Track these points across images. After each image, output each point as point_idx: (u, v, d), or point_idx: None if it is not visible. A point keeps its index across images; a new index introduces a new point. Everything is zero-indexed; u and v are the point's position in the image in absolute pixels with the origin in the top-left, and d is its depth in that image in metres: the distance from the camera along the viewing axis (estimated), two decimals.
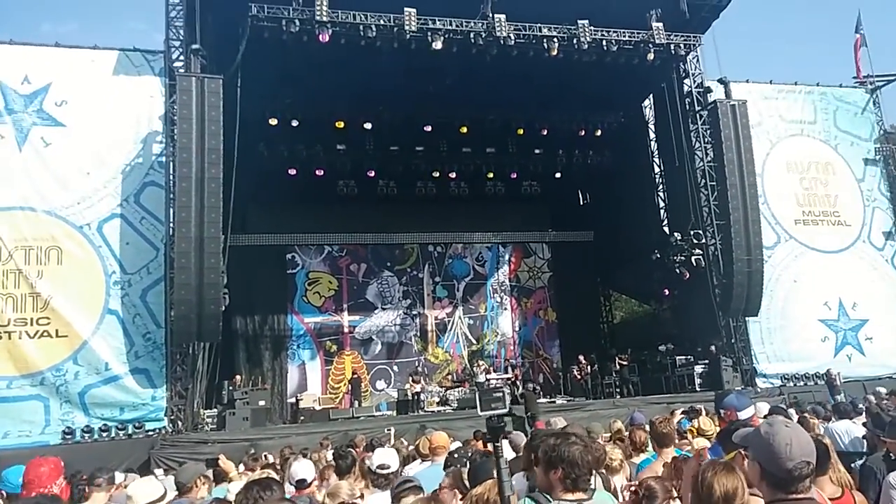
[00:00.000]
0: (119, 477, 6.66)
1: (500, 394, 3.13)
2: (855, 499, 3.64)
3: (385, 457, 4.66)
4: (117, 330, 15.51)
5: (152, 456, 13.54)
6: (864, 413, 8.53)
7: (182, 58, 16.36)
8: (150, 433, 14.92)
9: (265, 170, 20.17)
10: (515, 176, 23.64)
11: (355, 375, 21.96)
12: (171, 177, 15.76)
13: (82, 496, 4.93)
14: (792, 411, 9.56)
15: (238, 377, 18.16)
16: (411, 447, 8.31)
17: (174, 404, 15.25)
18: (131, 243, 15.97)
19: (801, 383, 18.91)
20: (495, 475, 2.59)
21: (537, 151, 23.03)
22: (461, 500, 4.38)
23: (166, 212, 16.06)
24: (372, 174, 21.99)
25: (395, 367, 23.02)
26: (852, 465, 5.35)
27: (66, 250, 15.62)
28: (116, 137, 16.35)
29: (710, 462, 3.28)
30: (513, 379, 21.35)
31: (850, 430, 7.44)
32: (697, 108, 18.90)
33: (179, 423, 15.12)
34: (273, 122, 19.39)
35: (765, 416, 6.67)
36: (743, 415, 4.61)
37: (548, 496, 2.97)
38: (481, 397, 3.16)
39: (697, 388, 18.09)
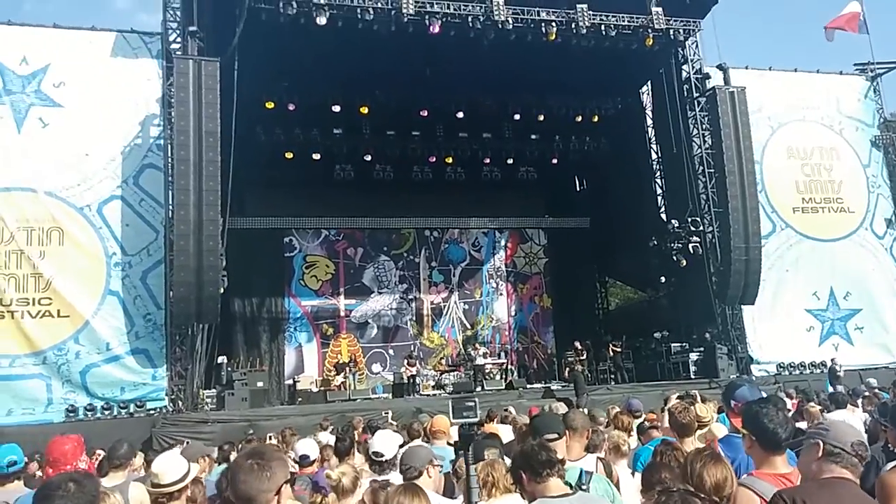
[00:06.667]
0: (139, 458, 6.73)
1: (473, 403, 3.19)
2: None
3: (381, 444, 4.65)
4: (118, 311, 15.61)
5: (154, 434, 13.72)
6: (859, 403, 8.64)
7: (179, 40, 16.25)
8: (152, 412, 15.08)
9: (262, 153, 20.13)
10: (512, 161, 23.61)
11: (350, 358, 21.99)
12: (170, 160, 15.75)
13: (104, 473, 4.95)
14: (786, 399, 9.72)
15: (223, 358, 17.79)
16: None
17: (174, 384, 15.38)
18: (131, 225, 16.03)
19: (797, 372, 19.00)
20: (465, 482, 2.69)
21: (534, 137, 22.97)
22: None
23: (165, 194, 16.09)
24: (368, 158, 21.96)
25: (391, 351, 23.15)
26: None
27: (68, 231, 15.69)
28: (114, 119, 16.30)
29: (697, 452, 3.35)
30: (506, 365, 21.54)
31: (848, 419, 7.58)
32: (696, 95, 18.87)
33: (180, 402, 15.26)
34: (270, 105, 19.29)
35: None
36: None
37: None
38: (454, 405, 3.22)
39: (692, 376, 18.21)
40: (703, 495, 2.56)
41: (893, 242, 21.91)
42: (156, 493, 3.90)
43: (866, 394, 9.35)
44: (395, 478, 4.47)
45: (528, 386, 19.48)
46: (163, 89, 16.43)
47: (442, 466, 4.46)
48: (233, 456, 7.99)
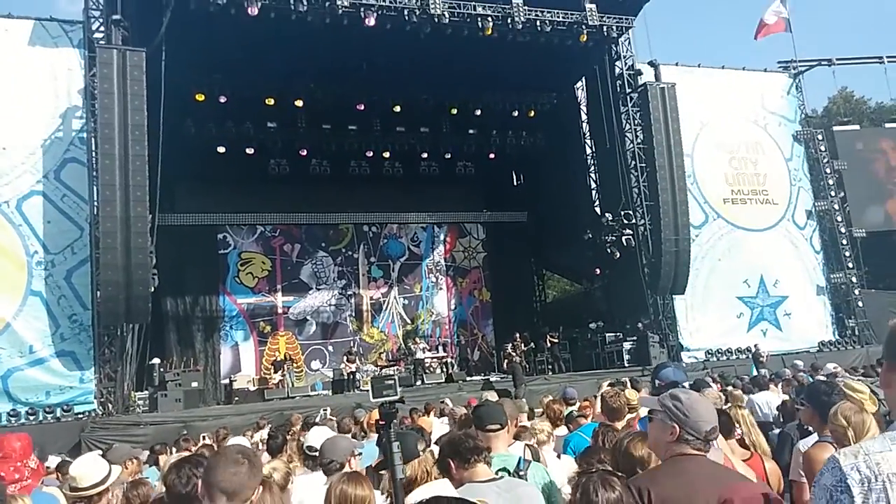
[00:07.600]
0: (52, 461, 6.43)
1: (392, 381, 3.24)
2: (765, 464, 3.91)
3: (316, 439, 4.59)
4: (41, 312, 14.93)
5: (83, 439, 13.24)
6: (779, 385, 9.17)
7: (102, 29, 15.71)
8: (80, 416, 14.51)
9: (193, 147, 19.52)
10: (450, 156, 23.76)
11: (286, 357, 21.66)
12: (94, 154, 15.15)
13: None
14: (713, 384, 10.11)
15: (157, 359, 17.41)
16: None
17: (103, 386, 14.86)
18: (53, 222, 15.33)
19: (724, 357, 19.72)
20: (388, 460, 2.72)
21: (471, 132, 23.14)
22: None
23: (90, 190, 15.46)
24: (304, 153, 21.72)
25: (331, 348, 22.92)
26: (769, 433, 5.69)
27: None
28: (34, 112, 15.56)
29: (626, 433, 3.55)
30: (447, 358, 21.63)
31: (770, 400, 7.94)
32: (628, 91, 19.31)
33: (110, 405, 14.74)
34: (200, 97, 18.80)
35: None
36: None
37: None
38: (374, 385, 3.25)
39: (626, 364, 18.70)
40: (620, 474, 2.63)
41: (812, 233, 23.04)
42: (73, 496, 3.73)
43: (787, 377, 9.82)
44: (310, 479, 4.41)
45: (468, 378, 19.60)
46: (85, 80, 15.81)
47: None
48: (163, 458, 7.77)
